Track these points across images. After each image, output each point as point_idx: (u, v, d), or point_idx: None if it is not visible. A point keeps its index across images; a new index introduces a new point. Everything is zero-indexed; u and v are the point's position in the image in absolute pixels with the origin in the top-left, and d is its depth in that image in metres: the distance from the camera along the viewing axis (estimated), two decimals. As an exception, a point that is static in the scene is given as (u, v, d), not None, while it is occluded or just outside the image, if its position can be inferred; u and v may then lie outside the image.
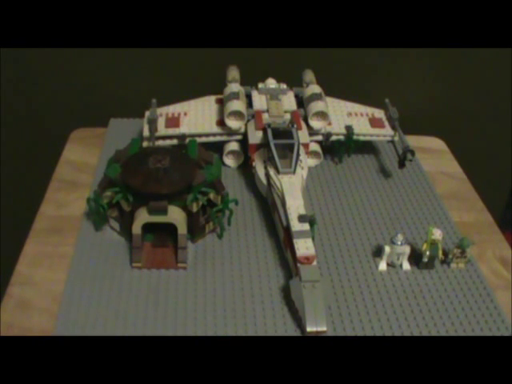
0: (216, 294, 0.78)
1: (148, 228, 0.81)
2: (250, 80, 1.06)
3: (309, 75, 1.07)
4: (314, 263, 0.76)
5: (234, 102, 0.97)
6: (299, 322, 0.74)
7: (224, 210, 0.84)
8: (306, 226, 0.79)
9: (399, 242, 0.81)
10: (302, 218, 0.80)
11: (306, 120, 1.01)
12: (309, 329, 0.71)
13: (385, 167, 1.06)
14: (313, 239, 0.79)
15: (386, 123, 1.06)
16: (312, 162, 1.04)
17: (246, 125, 0.99)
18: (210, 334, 0.72)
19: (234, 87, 1.01)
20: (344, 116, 1.06)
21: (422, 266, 0.84)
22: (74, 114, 1.19)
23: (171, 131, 0.99)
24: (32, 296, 0.76)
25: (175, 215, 0.79)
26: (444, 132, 1.18)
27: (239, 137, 1.01)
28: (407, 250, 0.82)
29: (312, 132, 1.01)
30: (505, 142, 1.33)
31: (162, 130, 0.99)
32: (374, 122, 1.06)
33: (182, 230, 0.80)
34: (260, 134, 0.96)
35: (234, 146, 1.01)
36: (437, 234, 0.80)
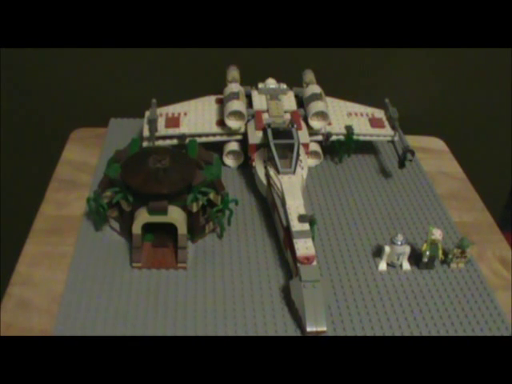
0: (216, 294, 0.78)
1: (148, 228, 0.81)
2: (250, 80, 1.06)
3: (309, 75, 1.07)
4: (314, 263, 0.76)
5: (234, 102, 0.97)
6: (299, 322, 0.74)
7: (224, 210, 0.84)
8: (306, 226, 0.79)
9: (399, 242, 0.81)
10: (302, 218, 0.80)
11: (306, 120, 1.01)
12: (309, 329, 0.71)
13: (385, 167, 1.06)
14: (313, 239, 0.79)
15: (386, 123, 1.06)
16: (312, 161, 1.04)
17: (246, 125, 0.99)
18: (210, 334, 0.72)
19: (234, 87, 1.01)
20: (344, 116, 1.06)
21: (422, 266, 0.84)
22: (73, 113, 1.19)
23: (171, 131, 0.99)
24: (32, 296, 0.76)
25: (175, 215, 0.79)
26: (444, 132, 1.18)
27: (239, 137, 1.01)
28: (407, 249, 0.82)
29: (312, 132, 1.01)
30: (505, 142, 1.33)
31: (162, 130, 0.99)
32: (374, 122, 1.06)
33: (182, 230, 0.80)
34: (260, 134, 0.96)
35: (233, 146, 1.01)
36: (437, 234, 0.81)
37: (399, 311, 0.77)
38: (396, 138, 1.04)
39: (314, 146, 1.03)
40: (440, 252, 0.82)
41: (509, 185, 1.40)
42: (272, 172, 0.89)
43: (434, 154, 1.13)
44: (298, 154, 0.89)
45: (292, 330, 0.73)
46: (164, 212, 0.78)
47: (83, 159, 1.03)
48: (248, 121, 1.00)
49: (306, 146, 0.97)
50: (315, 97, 1.00)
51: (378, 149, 1.11)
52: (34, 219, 0.89)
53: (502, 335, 0.75)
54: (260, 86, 1.05)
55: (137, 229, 0.79)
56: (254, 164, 0.95)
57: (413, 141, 1.05)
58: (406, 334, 0.74)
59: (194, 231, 0.84)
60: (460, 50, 1.16)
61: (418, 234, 0.91)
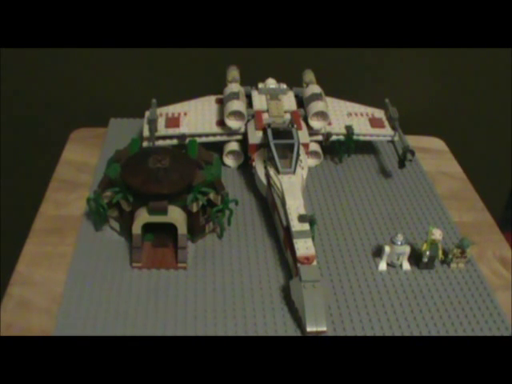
0: (216, 294, 0.78)
1: (148, 228, 0.81)
2: (250, 80, 1.06)
3: (309, 75, 1.07)
4: (314, 263, 0.76)
5: (234, 102, 0.97)
6: (299, 321, 0.74)
7: (224, 210, 0.84)
8: (306, 226, 0.79)
9: (399, 242, 0.81)
10: (302, 218, 0.80)
11: (306, 120, 1.01)
12: (309, 329, 0.71)
13: (385, 167, 1.06)
14: (313, 239, 0.79)
15: (386, 123, 1.06)
16: (312, 161, 1.04)
17: (246, 125, 0.99)
18: (210, 334, 0.72)
19: (234, 87, 1.01)
20: (344, 116, 1.06)
21: (422, 266, 0.84)
22: (73, 114, 1.19)
23: (171, 131, 0.99)
24: (32, 296, 0.76)
25: (175, 215, 0.79)
26: (444, 132, 1.18)
27: (239, 137, 1.01)
28: (407, 249, 0.82)
29: (312, 132, 1.01)
30: (505, 142, 1.33)
31: (161, 129, 0.99)
32: (374, 122, 1.06)
33: (182, 230, 0.80)
34: (260, 134, 0.96)
35: (233, 146, 1.01)
36: (437, 234, 0.80)
37: (399, 311, 0.77)
38: (396, 138, 1.04)
39: (314, 146, 1.03)
40: (440, 252, 0.82)
41: (509, 185, 1.40)
42: (272, 172, 0.89)
43: (434, 154, 1.13)
44: (298, 154, 0.89)
45: (292, 330, 0.73)
46: (164, 212, 0.78)
47: (83, 159, 1.03)
48: (248, 121, 1.00)
49: (306, 145, 0.97)
50: (315, 97, 1.00)
51: (378, 149, 1.11)
52: (34, 219, 0.89)
53: (502, 335, 0.75)
54: (260, 86, 1.05)
55: (137, 229, 0.79)
56: (254, 164, 0.95)
57: (413, 141, 1.05)
58: (406, 334, 0.74)
59: (194, 231, 0.84)
60: (460, 50, 1.16)
61: (418, 234, 0.91)
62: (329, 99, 1.07)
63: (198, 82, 1.15)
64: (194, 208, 0.82)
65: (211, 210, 0.84)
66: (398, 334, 0.74)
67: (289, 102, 1.03)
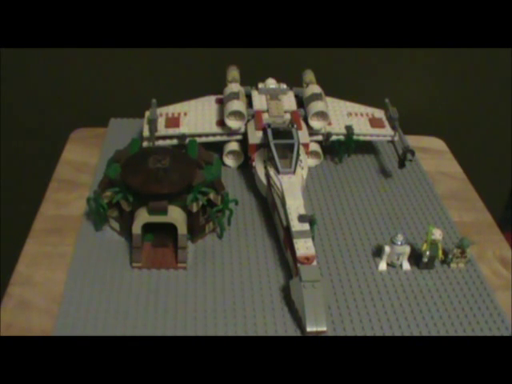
0: (216, 294, 0.78)
1: (148, 228, 0.81)
2: (250, 80, 1.06)
3: (309, 75, 1.07)
4: (314, 263, 0.76)
5: (234, 102, 0.97)
6: (299, 322, 0.74)
7: (224, 210, 0.84)
8: (306, 226, 0.79)
9: (399, 242, 0.81)
10: (302, 218, 0.80)
11: (306, 120, 1.01)
12: (309, 329, 0.71)
13: (385, 167, 1.06)
14: (313, 239, 0.79)
15: (386, 123, 1.06)
16: (312, 162, 1.04)
17: (246, 125, 0.99)
18: (210, 334, 0.72)
19: (234, 87, 1.01)
20: (344, 116, 1.06)
21: (422, 266, 0.84)
22: (74, 114, 1.19)
23: (171, 131, 0.99)
24: (32, 296, 0.76)
25: (175, 215, 0.79)
26: (444, 132, 1.18)
27: (239, 137, 1.01)
28: (407, 249, 0.82)
29: (312, 132, 1.01)
30: (505, 142, 1.33)
31: (161, 129, 0.99)
32: (374, 122, 1.06)
33: (182, 230, 0.80)
34: (260, 134, 0.96)
35: (233, 146, 1.01)
36: (437, 234, 0.81)
37: (399, 311, 0.77)
38: (396, 138, 1.04)
39: (314, 146, 1.03)
40: (440, 252, 0.82)
41: (509, 185, 1.40)
42: (272, 172, 0.89)
43: (434, 154, 1.13)
44: (298, 154, 0.89)
45: (292, 330, 0.73)
46: (164, 212, 0.78)
47: (83, 159, 1.03)
48: (248, 121, 1.00)
49: (306, 145, 0.97)
50: (315, 97, 1.00)
51: (378, 149, 1.11)
52: (34, 219, 0.89)
53: (502, 335, 0.75)
54: (260, 85, 1.05)
55: (137, 229, 0.79)
56: (253, 164, 0.95)
57: (413, 141, 1.05)
58: (406, 334, 0.74)
59: (194, 231, 0.84)
60: (460, 50, 1.16)
61: (418, 233, 0.91)
62: (329, 99, 1.07)
63: (198, 82, 1.15)
64: (194, 208, 0.82)
65: (211, 210, 0.84)
66: (398, 334, 0.74)
67: (289, 101, 1.03)
